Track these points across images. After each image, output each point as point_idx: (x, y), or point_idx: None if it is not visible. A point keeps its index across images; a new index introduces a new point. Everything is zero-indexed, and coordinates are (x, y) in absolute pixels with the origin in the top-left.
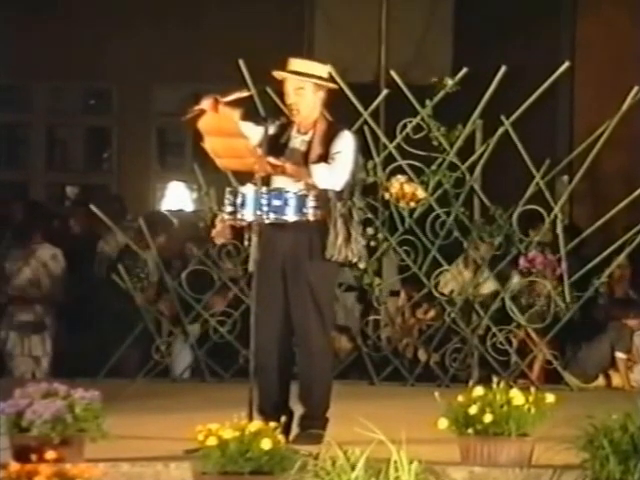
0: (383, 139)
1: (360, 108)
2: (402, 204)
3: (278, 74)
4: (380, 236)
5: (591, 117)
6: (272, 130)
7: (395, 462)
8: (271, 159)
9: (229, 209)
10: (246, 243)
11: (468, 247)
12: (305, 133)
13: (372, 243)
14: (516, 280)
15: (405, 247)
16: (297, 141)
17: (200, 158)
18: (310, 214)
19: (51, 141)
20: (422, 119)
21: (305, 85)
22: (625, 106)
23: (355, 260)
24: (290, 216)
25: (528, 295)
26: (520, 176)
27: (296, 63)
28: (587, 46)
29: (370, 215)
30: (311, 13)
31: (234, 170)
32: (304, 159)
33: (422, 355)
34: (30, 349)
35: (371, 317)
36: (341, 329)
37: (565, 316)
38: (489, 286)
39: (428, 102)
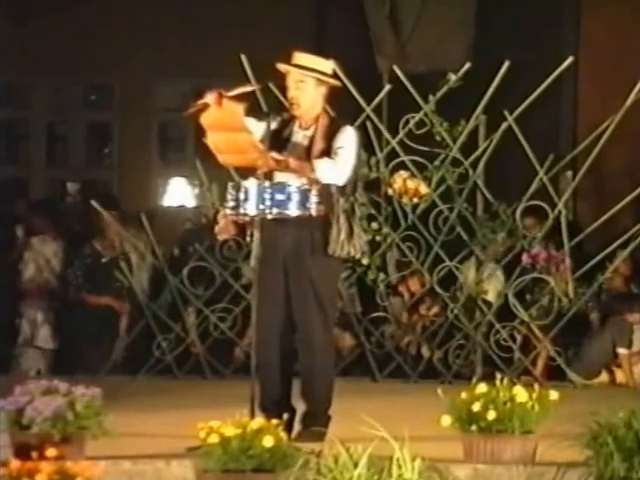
0: (386, 135)
1: (363, 103)
2: (405, 200)
3: (280, 67)
4: (384, 231)
5: (595, 113)
6: (274, 125)
7: (398, 459)
8: (274, 154)
9: (231, 204)
10: (248, 239)
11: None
12: (307, 128)
13: (377, 238)
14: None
15: (408, 243)
16: (299, 136)
17: (202, 154)
18: (313, 209)
19: (52, 137)
20: (425, 114)
21: (306, 79)
22: (629, 102)
23: (358, 256)
24: (293, 210)
25: (532, 291)
26: (523, 172)
27: (300, 57)
28: (591, 42)
29: (373, 211)
30: (314, 8)
31: (236, 166)
32: (306, 154)
33: (425, 352)
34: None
35: (374, 314)
36: (344, 326)
37: (569, 312)
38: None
39: (431, 97)
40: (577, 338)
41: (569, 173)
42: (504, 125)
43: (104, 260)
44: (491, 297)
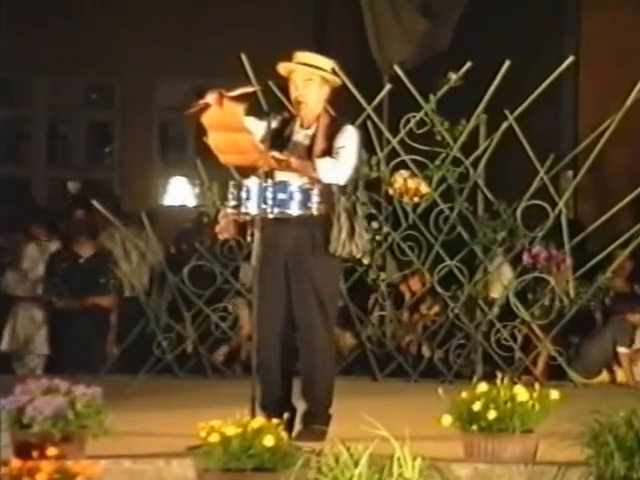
0: (386, 134)
1: (363, 103)
2: (405, 199)
3: (285, 66)
4: (385, 230)
5: (595, 112)
6: (275, 125)
7: (398, 459)
8: (275, 153)
9: (233, 203)
10: (249, 239)
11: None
12: (308, 128)
13: (377, 237)
14: (510, 276)
15: (409, 242)
16: (300, 135)
17: (202, 153)
18: (314, 208)
19: (53, 136)
20: (426, 114)
21: (314, 77)
22: (629, 101)
23: (359, 255)
24: (294, 210)
25: (534, 291)
26: (524, 171)
27: (304, 56)
28: (591, 40)
29: (374, 210)
30: (314, 8)
31: (237, 165)
32: (307, 153)
33: (426, 351)
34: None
35: (376, 313)
36: (345, 325)
37: (569, 312)
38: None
39: (432, 97)
40: (583, 337)
41: (570, 172)
42: (505, 124)
43: (81, 261)
44: (496, 293)
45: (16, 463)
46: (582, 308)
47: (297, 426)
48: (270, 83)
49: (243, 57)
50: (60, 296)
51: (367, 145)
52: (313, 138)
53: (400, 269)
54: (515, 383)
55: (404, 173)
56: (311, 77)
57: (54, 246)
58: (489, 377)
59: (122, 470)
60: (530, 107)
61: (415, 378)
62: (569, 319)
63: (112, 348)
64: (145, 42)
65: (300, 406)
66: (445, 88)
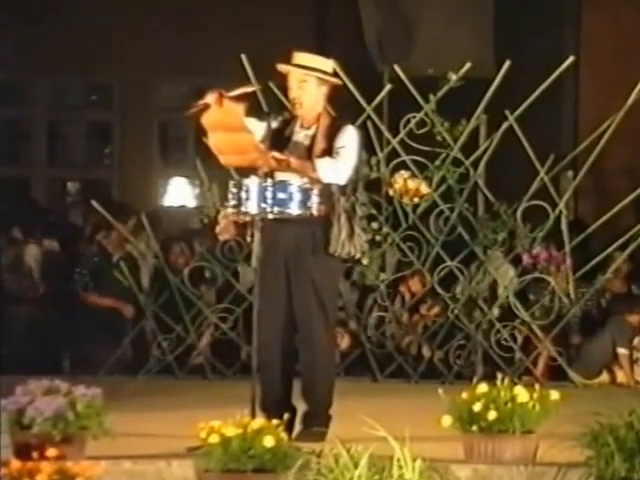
0: (386, 134)
1: (363, 103)
2: (406, 200)
3: (282, 67)
4: (385, 230)
5: (596, 112)
6: (275, 125)
7: (398, 459)
8: (275, 154)
9: (233, 202)
10: (249, 239)
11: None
12: (308, 128)
13: (377, 237)
14: (512, 274)
15: (409, 243)
16: (300, 136)
17: (202, 154)
18: (314, 209)
19: (52, 137)
20: (426, 114)
21: (308, 79)
22: (630, 101)
23: (358, 255)
24: (294, 210)
25: (535, 292)
26: (524, 172)
27: (300, 57)
28: (592, 40)
29: (374, 211)
30: (315, 8)
31: (237, 166)
32: (308, 154)
33: (426, 352)
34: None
35: (375, 313)
36: (344, 325)
37: (569, 312)
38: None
39: (432, 97)
40: (583, 337)
41: (570, 173)
42: (505, 125)
43: (114, 259)
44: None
45: (16, 464)
46: (583, 308)
47: (297, 427)
48: (270, 83)
49: (243, 57)
50: (86, 290)
51: (367, 145)
52: (313, 138)
53: (400, 269)
54: (515, 384)
55: (404, 173)
56: (305, 79)
57: (53, 246)
58: (489, 378)
59: (122, 471)
60: (530, 107)
61: (415, 379)
62: (569, 319)
63: (126, 350)
64: (145, 42)
65: (300, 407)
66: (445, 88)
